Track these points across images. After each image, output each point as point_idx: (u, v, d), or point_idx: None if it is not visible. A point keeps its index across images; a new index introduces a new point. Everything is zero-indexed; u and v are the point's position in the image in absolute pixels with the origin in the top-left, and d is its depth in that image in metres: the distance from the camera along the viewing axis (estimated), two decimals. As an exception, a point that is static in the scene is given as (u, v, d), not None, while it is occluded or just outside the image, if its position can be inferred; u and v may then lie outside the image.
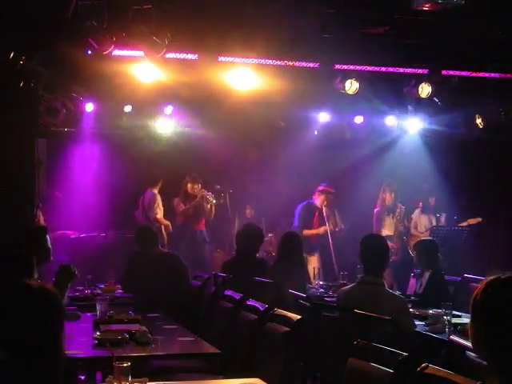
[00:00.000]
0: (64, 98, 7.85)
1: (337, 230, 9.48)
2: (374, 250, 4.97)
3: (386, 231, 9.44)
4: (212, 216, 9.82)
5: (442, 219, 10.01)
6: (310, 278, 7.84)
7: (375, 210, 9.59)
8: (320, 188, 9.55)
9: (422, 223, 9.96)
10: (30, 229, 6.21)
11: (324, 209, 9.42)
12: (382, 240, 5.28)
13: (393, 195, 9.49)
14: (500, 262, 9.27)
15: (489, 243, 10.06)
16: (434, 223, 9.90)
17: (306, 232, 9.22)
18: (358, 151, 10.63)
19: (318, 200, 9.48)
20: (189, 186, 9.73)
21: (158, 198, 9.64)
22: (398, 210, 9.53)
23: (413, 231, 9.91)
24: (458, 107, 9.37)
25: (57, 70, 6.89)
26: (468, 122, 9.59)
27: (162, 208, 9.64)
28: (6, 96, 6.43)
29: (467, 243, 9.44)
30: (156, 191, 9.70)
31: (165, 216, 9.73)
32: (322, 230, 9.37)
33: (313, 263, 9.09)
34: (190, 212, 9.65)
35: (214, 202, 9.72)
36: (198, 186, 9.71)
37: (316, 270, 7.87)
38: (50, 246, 5.20)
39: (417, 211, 10.07)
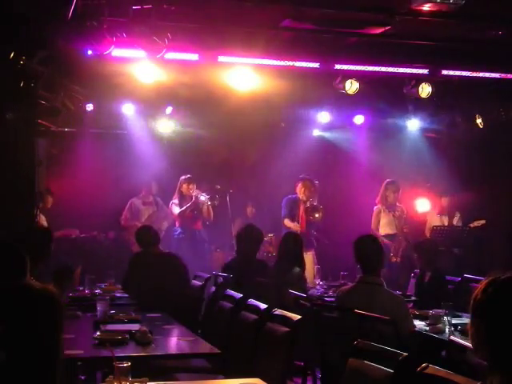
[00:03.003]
0: (64, 97, 7.84)
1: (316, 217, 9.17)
2: (368, 250, 4.96)
3: (386, 229, 9.26)
4: (211, 217, 9.77)
5: (456, 219, 9.81)
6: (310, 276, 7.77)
7: (375, 207, 9.40)
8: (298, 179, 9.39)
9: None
10: (38, 229, 6.24)
11: (305, 201, 9.15)
12: (376, 239, 5.26)
13: (395, 194, 9.30)
14: (500, 262, 9.27)
15: (489, 243, 10.04)
16: (446, 224, 9.72)
17: (287, 222, 9.11)
18: (358, 151, 10.64)
19: (297, 189, 9.28)
20: (184, 186, 9.65)
21: (129, 204, 9.82)
22: (399, 209, 9.35)
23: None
24: (458, 107, 9.37)
25: (57, 70, 6.88)
26: (468, 121, 9.58)
27: (134, 212, 9.76)
28: (5, 96, 6.42)
29: (467, 243, 9.41)
30: (135, 199, 9.82)
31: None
32: (293, 225, 9.05)
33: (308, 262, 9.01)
34: (185, 214, 9.61)
35: (209, 203, 9.62)
36: (193, 187, 9.63)
37: (315, 270, 7.85)
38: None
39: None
